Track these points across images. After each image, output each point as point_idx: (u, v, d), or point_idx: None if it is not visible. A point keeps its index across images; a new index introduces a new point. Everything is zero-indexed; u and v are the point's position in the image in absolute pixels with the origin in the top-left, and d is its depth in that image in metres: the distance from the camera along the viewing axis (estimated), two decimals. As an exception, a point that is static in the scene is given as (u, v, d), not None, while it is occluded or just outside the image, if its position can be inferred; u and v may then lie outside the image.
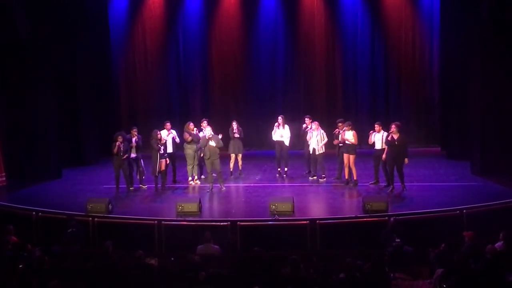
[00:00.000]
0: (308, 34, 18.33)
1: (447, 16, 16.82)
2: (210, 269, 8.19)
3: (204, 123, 14.45)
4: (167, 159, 13.79)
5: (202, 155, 14.44)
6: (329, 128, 14.34)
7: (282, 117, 14.87)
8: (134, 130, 14.07)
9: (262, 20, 18.49)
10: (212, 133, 13.61)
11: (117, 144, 13.42)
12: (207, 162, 13.59)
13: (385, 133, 13.11)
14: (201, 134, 14.35)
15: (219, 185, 13.75)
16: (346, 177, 13.82)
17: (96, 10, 17.71)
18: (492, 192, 12.87)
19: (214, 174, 13.95)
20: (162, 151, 13.52)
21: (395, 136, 12.85)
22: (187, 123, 14.43)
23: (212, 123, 15.06)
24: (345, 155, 13.64)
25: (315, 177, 14.43)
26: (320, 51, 18.37)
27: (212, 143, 13.49)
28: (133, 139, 13.89)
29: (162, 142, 13.59)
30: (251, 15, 18.46)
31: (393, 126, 12.95)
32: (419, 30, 18.16)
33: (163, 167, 13.61)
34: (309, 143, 14.18)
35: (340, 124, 13.86)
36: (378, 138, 13.28)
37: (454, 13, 16.17)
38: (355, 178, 13.71)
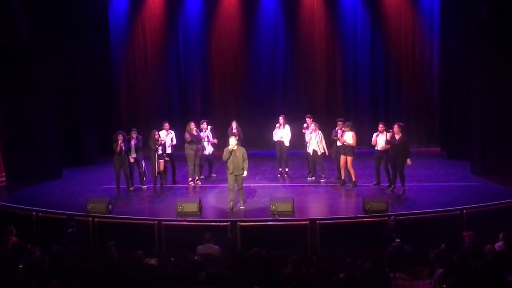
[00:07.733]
0: (308, 34, 18.32)
1: (447, 17, 16.83)
2: (210, 269, 8.18)
3: (204, 124, 14.48)
4: (166, 159, 13.77)
5: (205, 153, 14.47)
6: (329, 128, 14.30)
7: (283, 117, 14.85)
8: (133, 131, 13.94)
9: (262, 20, 18.48)
10: (237, 146, 12.16)
11: (119, 143, 13.39)
12: (230, 177, 12.07)
13: (389, 134, 13.08)
14: (202, 135, 14.40)
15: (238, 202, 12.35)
16: (343, 177, 13.81)
17: (96, 10, 17.69)
18: (492, 192, 12.87)
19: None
20: (160, 152, 13.50)
21: (397, 136, 12.83)
22: (189, 123, 14.41)
23: (212, 123, 15.08)
24: (342, 157, 13.60)
25: (313, 178, 14.42)
26: (320, 51, 18.36)
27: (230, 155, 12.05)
28: (132, 141, 13.79)
29: (160, 142, 13.55)
30: (251, 15, 18.45)
31: (395, 126, 12.92)
32: (419, 30, 18.15)
33: (161, 168, 13.60)
34: (308, 144, 14.16)
35: (340, 123, 13.84)
36: (381, 139, 13.24)
37: (454, 14, 16.20)
38: (353, 179, 13.67)
